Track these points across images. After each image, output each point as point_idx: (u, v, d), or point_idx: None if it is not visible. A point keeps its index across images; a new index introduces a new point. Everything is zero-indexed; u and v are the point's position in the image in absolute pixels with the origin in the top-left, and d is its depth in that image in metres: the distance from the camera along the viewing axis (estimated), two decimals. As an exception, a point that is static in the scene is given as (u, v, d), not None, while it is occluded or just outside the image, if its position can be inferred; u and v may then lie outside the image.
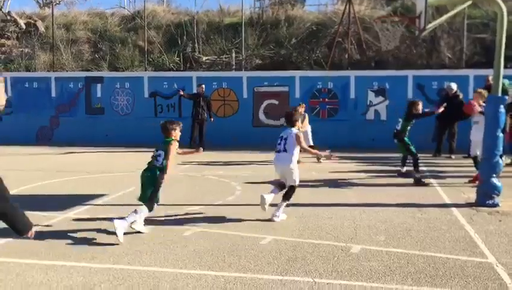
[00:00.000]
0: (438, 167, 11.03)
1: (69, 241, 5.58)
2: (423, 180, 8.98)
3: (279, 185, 6.75)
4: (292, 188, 6.64)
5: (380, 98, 14.92)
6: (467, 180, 9.05)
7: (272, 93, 15.60)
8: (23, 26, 20.28)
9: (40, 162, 12.30)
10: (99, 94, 16.69)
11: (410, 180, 9.14)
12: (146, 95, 16.39)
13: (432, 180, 9.36)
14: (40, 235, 5.83)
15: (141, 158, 12.86)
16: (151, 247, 5.39)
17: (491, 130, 7.29)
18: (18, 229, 3.87)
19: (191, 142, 14.33)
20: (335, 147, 13.66)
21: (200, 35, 18.42)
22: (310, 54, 17.06)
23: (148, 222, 6.42)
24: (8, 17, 20.71)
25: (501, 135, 7.33)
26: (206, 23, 19.35)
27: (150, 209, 5.88)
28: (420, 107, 9.27)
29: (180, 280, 4.43)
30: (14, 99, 17.04)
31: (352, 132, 14.67)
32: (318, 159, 11.70)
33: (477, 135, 8.64)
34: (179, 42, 18.40)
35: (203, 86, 14.47)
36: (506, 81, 10.82)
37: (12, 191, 5.10)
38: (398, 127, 9.36)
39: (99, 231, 6.03)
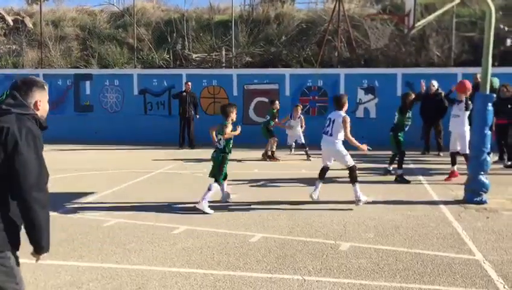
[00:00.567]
0: (426, 165, 11.11)
1: (57, 240, 5.53)
2: (405, 177, 9.01)
3: (322, 176, 7.26)
4: (351, 169, 6.91)
5: (370, 96, 14.97)
6: (455, 177, 9.11)
7: (262, 90, 15.59)
8: (11, 23, 20.04)
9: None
10: (88, 91, 16.58)
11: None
12: (135, 92, 16.30)
13: (420, 178, 9.41)
14: (24, 234, 5.76)
15: (130, 156, 12.87)
16: (140, 245, 5.36)
17: (479, 128, 7.35)
18: (39, 237, 2.79)
19: (179, 140, 14.29)
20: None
21: (190, 33, 18.33)
22: (299, 51, 17.04)
23: (138, 219, 6.40)
24: (-5, 14, 20.48)
25: (489, 132, 7.39)
26: (196, 20, 19.25)
27: (218, 182, 7.06)
28: (412, 98, 9.32)
29: (168, 279, 4.41)
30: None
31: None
32: (308, 156, 11.72)
33: (457, 128, 8.87)
34: (169, 39, 18.30)
35: (190, 83, 14.44)
36: (496, 80, 10.91)
37: None
38: (395, 121, 9.39)
39: (87, 229, 5.99)
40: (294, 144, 12.61)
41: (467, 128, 8.74)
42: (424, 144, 12.84)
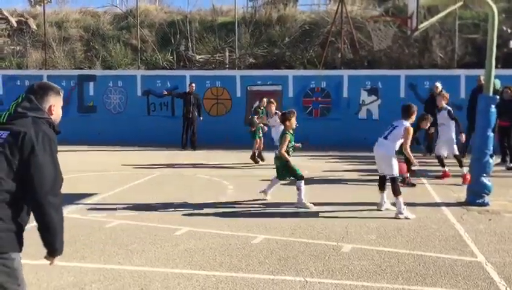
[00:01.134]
0: (428, 167, 11.08)
1: (60, 240, 5.55)
2: (412, 182, 8.91)
3: (382, 186, 6.90)
4: (394, 181, 6.65)
5: (373, 98, 14.97)
6: (457, 179, 9.10)
7: (265, 92, 15.59)
8: (15, 24, 20.13)
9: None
10: (91, 92, 16.62)
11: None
12: (139, 93, 16.34)
13: (422, 180, 9.41)
14: (30, 235, 5.79)
15: (133, 157, 12.89)
16: (142, 246, 5.38)
17: (482, 130, 7.35)
18: (53, 240, 2.79)
19: (182, 142, 14.31)
20: (327, 145, 13.74)
21: (193, 34, 18.37)
22: (303, 53, 17.06)
23: (141, 220, 6.42)
24: (0, 15, 20.56)
25: (491, 134, 7.38)
26: (199, 22, 19.29)
27: (300, 178, 7.12)
28: (428, 123, 9.10)
29: (171, 280, 4.43)
30: (5, 97, 16.93)
31: (345, 131, 14.71)
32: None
33: (444, 135, 9.36)
34: (172, 41, 18.35)
35: (193, 84, 14.47)
36: (497, 82, 10.90)
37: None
38: None
39: (89, 230, 6.01)
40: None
41: (454, 134, 9.37)
42: (427, 146, 12.82)
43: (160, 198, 7.81)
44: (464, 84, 14.06)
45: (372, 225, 6.21)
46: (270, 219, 6.53)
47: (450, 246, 5.40)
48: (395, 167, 6.65)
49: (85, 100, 16.65)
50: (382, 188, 6.92)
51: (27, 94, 2.83)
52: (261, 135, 11.63)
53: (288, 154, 7.26)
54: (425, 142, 12.92)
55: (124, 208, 7.13)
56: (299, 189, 7.11)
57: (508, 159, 10.80)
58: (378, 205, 6.99)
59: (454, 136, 9.35)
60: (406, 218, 6.52)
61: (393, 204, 6.74)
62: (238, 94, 15.79)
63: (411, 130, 6.72)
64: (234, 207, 7.21)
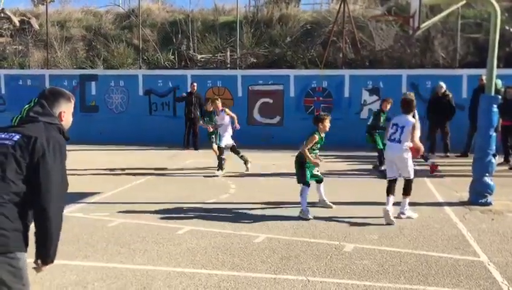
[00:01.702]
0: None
1: (62, 239, 5.55)
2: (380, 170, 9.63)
3: (391, 189, 6.55)
4: (409, 182, 6.56)
5: (374, 97, 14.94)
6: (460, 179, 9.09)
7: (267, 91, 15.61)
8: (17, 24, 20.13)
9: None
10: (93, 92, 16.63)
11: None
12: (141, 93, 16.35)
13: (425, 179, 9.40)
14: (32, 233, 5.80)
15: (135, 156, 12.88)
16: (144, 245, 5.38)
17: (485, 129, 7.34)
18: (49, 248, 2.78)
19: (184, 141, 14.32)
20: (329, 145, 13.70)
21: (195, 34, 18.37)
22: (304, 52, 17.03)
23: (143, 219, 6.43)
24: (2, 14, 20.53)
25: (494, 134, 7.37)
26: (201, 21, 19.28)
27: (305, 185, 6.73)
28: (389, 105, 10.21)
29: (173, 278, 4.43)
30: (7, 96, 16.97)
31: (346, 131, 14.68)
32: (246, 164, 10.41)
33: None
34: (174, 40, 18.34)
35: (195, 84, 14.47)
36: (499, 81, 10.89)
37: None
38: (369, 123, 10.32)
39: (92, 229, 6.02)
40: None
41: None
42: (430, 145, 12.81)
43: (162, 197, 7.82)
44: (466, 84, 14.03)
45: (374, 225, 6.21)
46: (272, 218, 6.54)
47: (453, 245, 5.40)
48: (411, 169, 6.57)
49: (87, 100, 16.66)
50: (392, 192, 6.55)
51: (39, 99, 2.86)
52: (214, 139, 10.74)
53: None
54: (428, 141, 12.90)
55: (126, 207, 7.13)
56: (302, 195, 6.69)
57: (511, 158, 10.79)
58: (387, 211, 6.44)
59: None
60: (409, 217, 6.50)
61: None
62: (240, 94, 15.78)
63: (418, 123, 6.72)
64: (236, 206, 7.21)
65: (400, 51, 16.35)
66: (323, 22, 17.89)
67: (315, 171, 7.02)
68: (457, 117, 12.50)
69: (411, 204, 7.18)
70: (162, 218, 6.54)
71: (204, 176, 9.84)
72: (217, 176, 9.85)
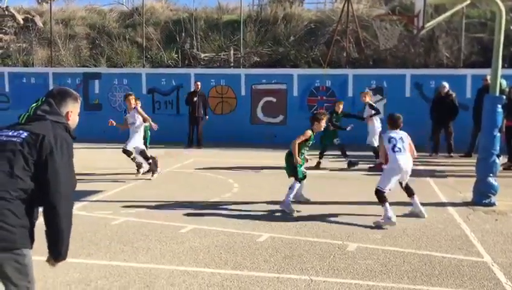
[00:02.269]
0: (434, 166, 11.05)
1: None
2: (352, 161, 10.76)
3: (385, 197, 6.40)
4: (409, 186, 6.67)
5: (378, 97, 14.92)
6: (463, 179, 9.07)
7: (270, 90, 15.60)
8: (21, 21, 20.16)
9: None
10: (97, 90, 16.66)
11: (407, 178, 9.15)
12: (144, 91, 16.36)
13: (428, 179, 9.38)
14: (36, 231, 5.82)
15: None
16: (148, 244, 5.39)
17: (489, 130, 7.31)
18: (60, 245, 2.78)
19: (188, 140, 14.33)
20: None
21: (199, 32, 18.38)
22: (308, 52, 17.02)
23: (146, 218, 6.43)
24: (6, 12, 20.57)
25: (498, 134, 7.34)
26: (205, 20, 19.29)
27: (297, 180, 6.92)
28: (341, 106, 11.09)
29: (176, 277, 4.43)
30: (11, 94, 17.01)
31: (350, 130, 14.67)
32: (152, 173, 9.62)
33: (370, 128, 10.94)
34: (177, 39, 18.36)
35: (199, 83, 14.48)
36: (504, 81, 10.84)
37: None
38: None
39: (95, 227, 6.03)
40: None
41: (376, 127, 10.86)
42: (433, 146, 12.78)
43: (165, 196, 7.82)
44: (470, 84, 14.00)
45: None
46: (275, 217, 6.54)
47: (456, 246, 5.38)
48: None
49: (90, 98, 16.69)
50: (387, 199, 6.41)
51: (47, 98, 2.89)
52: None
53: (300, 153, 6.97)
54: (431, 141, 12.88)
55: (129, 206, 7.14)
56: (291, 189, 6.86)
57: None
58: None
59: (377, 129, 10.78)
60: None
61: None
62: (243, 93, 15.79)
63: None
64: (239, 205, 7.20)
65: (404, 50, 16.32)
66: (327, 21, 17.88)
67: (303, 169, 7.14)
68: (461, 117, 12.47)
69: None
70: (165, 216, 6.54)
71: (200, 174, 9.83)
72: (150, 179, 9.25)
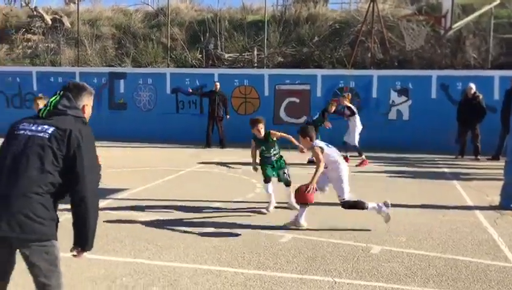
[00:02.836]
0: (461, 169, 10.86)
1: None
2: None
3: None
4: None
5: (403, 98, 14.74)
6: (491, 182, 8.88)
7: (294, 91, 15.55)
8: (49, 22, 20.58)
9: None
10: (122, 90, 16.87)
11: (433, 181, 9.03)
12: (168, 91, 16.50)
13: (455, 182, 9.22)
14: (60, 227, 5.93)
15: (162, 154, 13.02)
16: (171, 242, 5.43)
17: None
18: (87, 236, 2.86)
19: (207, 140, 14.34)
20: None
21: (223, 33, 18.46)
22: (332, 52, 16.93)
23: (170, 216, 6.49)
24: (35, 13, 21.04)
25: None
26: (229, 20, 19.37)
27: (264, 181, 6.98)
28: (333, 108, 11.58)
29: (199, 276, 4.46)
30: (39, 93, 17.33)
31: (374, 132, 14.52)
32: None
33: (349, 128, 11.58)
34: (202, 39, 18.48)
35: (218, 83, 14.53)
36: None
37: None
38: (314, 118, 11.60)
39: (120, 225, 6.11)
40: None
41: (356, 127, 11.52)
42: (460, 148, 12.57)
43: (188, 195, 7.88)
44: (498, 86, 13.69)
45: (401, 227, 6.12)
46: (298, 218, 6.51)
47: (483, 250, 5.28)
48: None
49: (116, 97, 16.91)
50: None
51: (65, 92, 2.96)
52: None
53: (264, 160, 6.97)
54: (457, 144, 12.66)
55: (153, 204, 7.22)
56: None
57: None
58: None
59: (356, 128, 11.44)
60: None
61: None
62: (266, 93, 15.78)
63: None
64: (262, 205, 7.20)
65: (430, 51, 16.07)
66: (351, 21, 17.74)
67: (282, 173, 7.05)
68: (488, 119, 12.22)
69: (440, 207, 7.08)
70: (188, 215, 6.59)
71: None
72: None
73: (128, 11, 21.52)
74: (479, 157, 12.08)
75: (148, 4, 22.15)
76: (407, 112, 14.71)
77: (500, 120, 11.58)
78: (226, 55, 17.99)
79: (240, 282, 4.33)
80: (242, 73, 16.28)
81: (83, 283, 4.28)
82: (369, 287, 4.24)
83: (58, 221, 2.84)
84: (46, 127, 2.77)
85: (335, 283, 4.33)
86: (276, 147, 7.03)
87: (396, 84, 14.78)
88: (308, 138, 6.07)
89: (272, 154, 7.01)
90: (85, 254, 2.94)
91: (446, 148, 12.78)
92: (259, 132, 7.00)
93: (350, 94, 12.21)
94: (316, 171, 5.87)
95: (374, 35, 15.91)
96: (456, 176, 9.85)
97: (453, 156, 12.37)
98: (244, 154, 12.81)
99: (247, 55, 17.82)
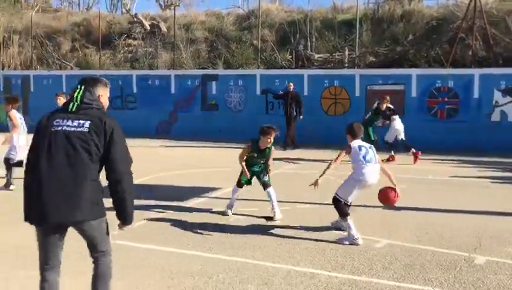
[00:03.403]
0: None
1: (187, 230, 5.86)
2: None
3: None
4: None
5: (508, 98, 13.70)
6: None
7: (386, 92, 15.03)
8: (148, 27, 21.72)
9: (160, 155, 13.12)
10: (214, 91, 17.36)
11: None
12: (258, 92, 16.70)
13: None
14: (158, 223, 6.21)
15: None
16: (264, 242, 5.46)
17: None
18: (127, 212, 3.21)
19: (285, 141, 14.24)
20: (454, 149, 12.86)
21: (313, 33, 18.33)
22: (428, 50, 16.14)
23: (259, 214, 6.53)
24: (135, 19, 22.33)
25: None
26: (319, 20, 19.20)
27: (237, 185, 6.83)
28: (384, 106, 11.66)
29: (293, 277, 4.43)
30: (138, 95, 18.37)
31: (474, 134, 13.65)
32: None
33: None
34: (291, 40, 18.49)
35: (292, 84, 14.41)
36: None
37: (137, 180, 5.46)
38: (367, 117, 12.06)
39: (214, 222, 6.25)
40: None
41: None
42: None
43: (279, 195, 7.87)
44: None
45: (507, 236, 5.66)
46: (393, 224, 6.28)
47: None
48: None
49: (208, 98, 17.44)
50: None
51: (86, 86, 3.22)
52: None
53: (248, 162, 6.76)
54: None
55: (245, 203, 7.31)
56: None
57: None
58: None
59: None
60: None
61: None
62: (357, 94, 15.42)
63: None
64: (354, 209, 7.00)
65: (540, 47, 14.79)
66: (450, 17, 16.81)
67: (265, 177, 6.74)
68: None
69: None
70: (280, 215, 6.58)
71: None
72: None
73: (220, 14, 22.09)
74: None
75: (239, 7, 22.61)
76: (512, 113, 13.66)
77: None
78: (316, 56, 17.84)
79: (335, 286, 4.23)
80: (332, 74, 16.05)
81: (182, 277, 4.41)
82: (475, 301, 3.96)
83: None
84: (81, 122, 3.07)
85: (436, 293, 4.09)
86: (264, 160, 6.73)
87: (501, 84, 13.78)
88: (348, 135, 6.11)
89: (260, 163, 6.73)
90: (127, 226, 3.27)
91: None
92: (268, 141, 6.64)
93: (388, 97, 12.02)
94: (330, 163, 6.02)
95: (476, 32, 14.94)
96: None
97: None
98: (334, 155, 12.61)
99: (337, 55, 17.55)
